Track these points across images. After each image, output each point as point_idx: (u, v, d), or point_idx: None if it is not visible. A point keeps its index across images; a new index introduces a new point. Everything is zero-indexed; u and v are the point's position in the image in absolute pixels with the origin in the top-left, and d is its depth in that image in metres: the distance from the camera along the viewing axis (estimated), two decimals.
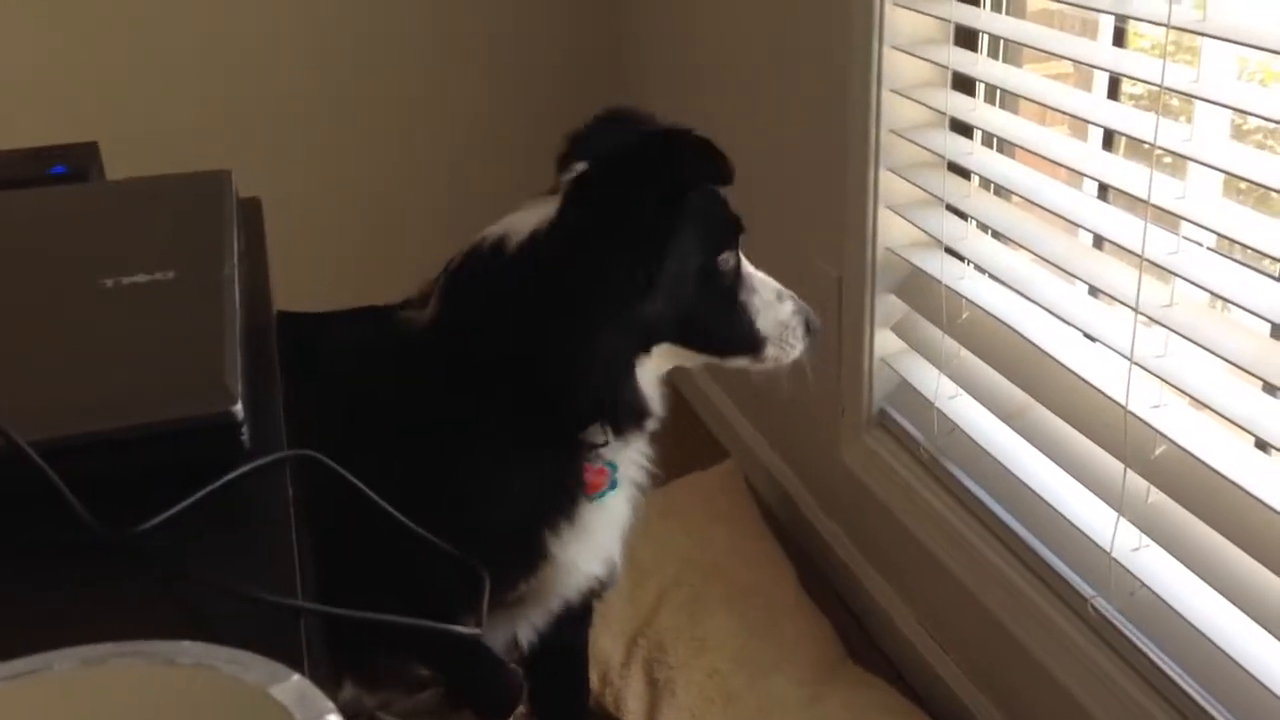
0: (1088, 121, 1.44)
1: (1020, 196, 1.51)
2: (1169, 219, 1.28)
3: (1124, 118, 1.36)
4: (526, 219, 1.25)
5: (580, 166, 1.26)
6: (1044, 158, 1.46)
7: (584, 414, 1.22)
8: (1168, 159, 1.28)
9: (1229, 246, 1.29)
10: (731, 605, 1.95)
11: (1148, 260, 1.28)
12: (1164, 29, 1.24)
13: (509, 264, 1.22)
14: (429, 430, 1.19)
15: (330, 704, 0.48)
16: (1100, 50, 1.46)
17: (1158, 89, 1.25)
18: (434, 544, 0.68)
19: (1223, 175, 1.28)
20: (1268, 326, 1.23)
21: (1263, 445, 1.25)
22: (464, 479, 1.18)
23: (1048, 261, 1.47)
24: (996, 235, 1.62)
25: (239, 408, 0.62)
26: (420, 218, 2.91)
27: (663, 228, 1.19)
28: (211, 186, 0.84)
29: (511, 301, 1.20)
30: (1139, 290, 1.30)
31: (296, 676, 0.48)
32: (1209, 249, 1.29)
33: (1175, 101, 1.36)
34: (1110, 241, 1.35)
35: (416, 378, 1.21)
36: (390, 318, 1.25)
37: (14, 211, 0.83)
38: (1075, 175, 1.45)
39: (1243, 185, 1.33)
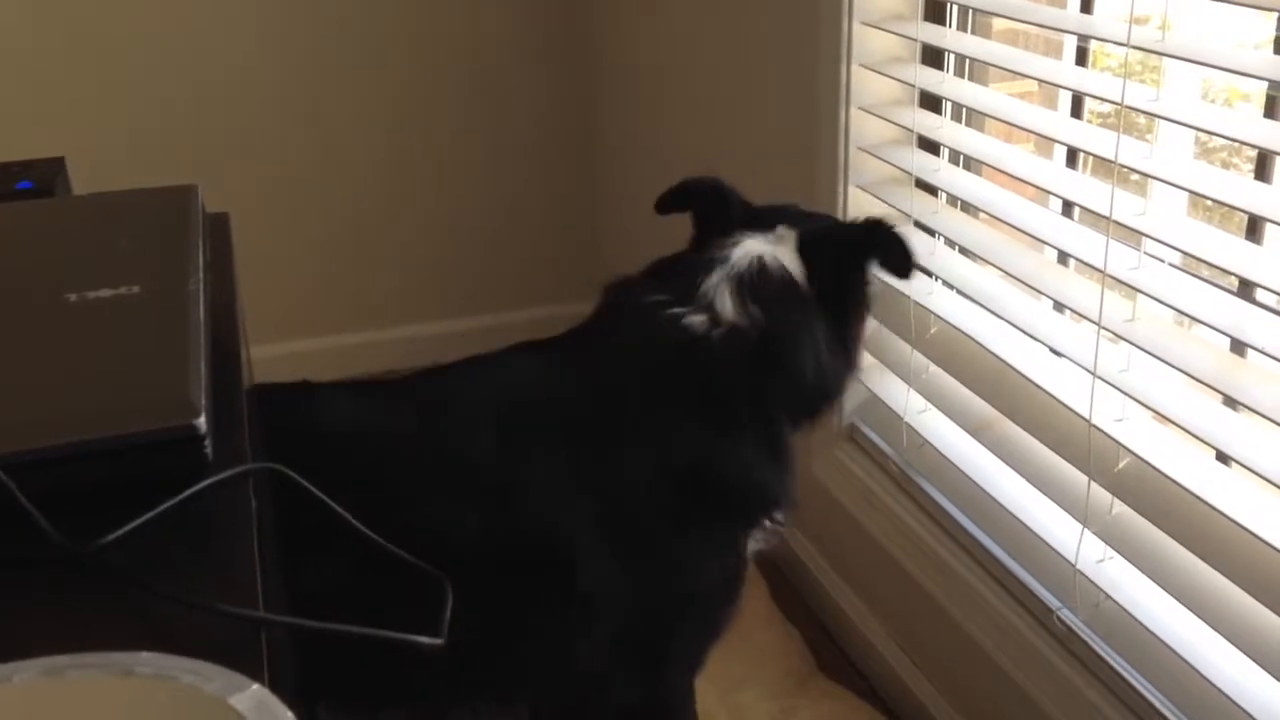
0: (1052, 139, 1.45)
1: (986, 213, 1.53)
2: (1133, 235, 1.30)
3: (1087, 136, 1.38)
4: (760, 248, 1.34)
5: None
6: (1009, 175, 1.47)
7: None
8: (1133, 176, 1.30)
9: (1195, 263, 1.31)
10: None
11: (1110, 276, 1.30)
12: (1125, 49, 1.26)
13: (781, 288, 1.33)
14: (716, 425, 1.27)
15: (289, 714, 0.49)
16: (1064, 69, 1.48)
17: (1120, 107, 1.27)
18: (399, 556, 0.69)
19: (1186, 193, 1.30)
20: (1228, 341, 1.25)
21: (1224, 458, 1.27)
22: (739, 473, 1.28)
23: (1014, 277, 1.48)
24: (964, 251, 1.64)
25: (202, 421, 0.62)
26: (390, 235, 2.92)
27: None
28: (178, 201, 0.84)
29: (800, 324, 1.33)
30: (1102, 305, 1.31)
31: (255, 686, 0.49)
32: (1171, 265, 1.31)
33: (1141, 120, 1.39)
34: (1074, 258, 1.37)
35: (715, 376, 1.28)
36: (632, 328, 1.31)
37: None
38: (1041, 192, 1.47)
39: (1209, 202, 1.35)
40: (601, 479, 1.21)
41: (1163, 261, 1.31)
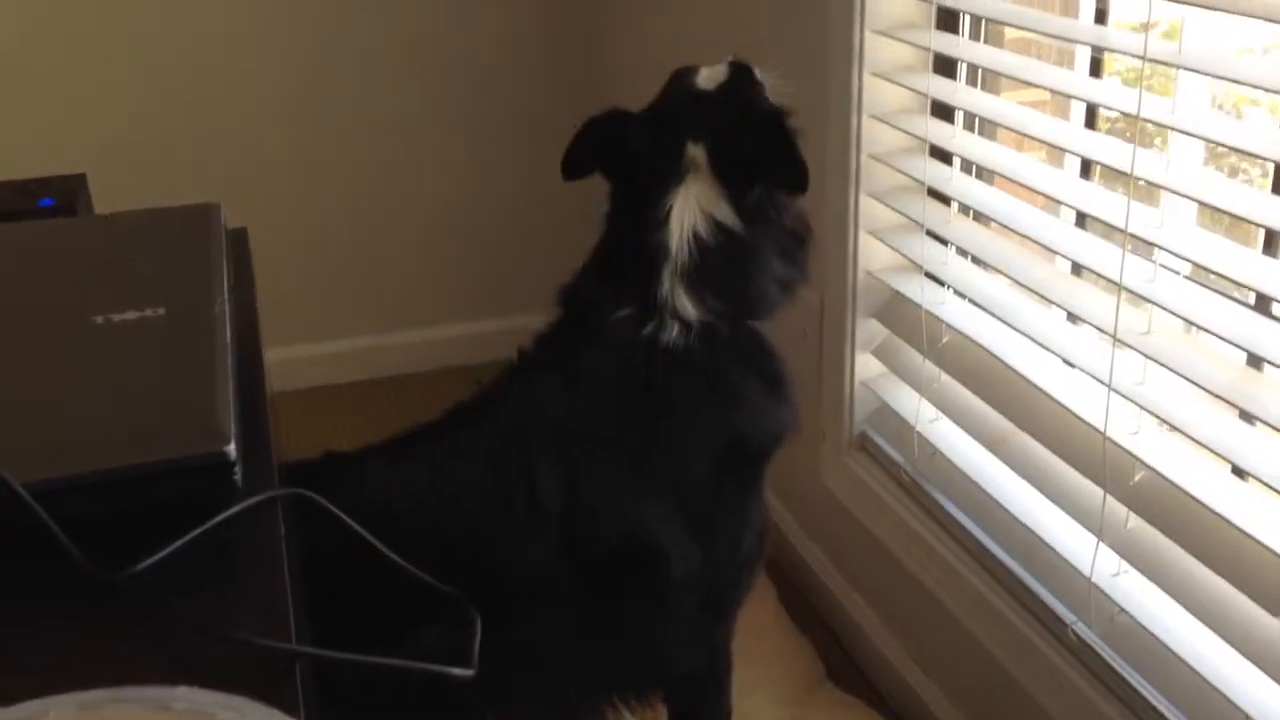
0: (1065, 150, 1.45)
1: (999, 223, 1.53)
2: (1148, 246, 1.30)
3: (1101, 146, 1.38)
4: (687, 214, 1.38)
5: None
6: (1022, 185, 1.47)
7: None
8: (1141, 182, 1.29)
9: (1206, 273, 1.30)
10: None
11: (1126, 289, 1.29)
12: (1141, 61, 1.25)
13: (725, 256, 1.39)
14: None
15: None
16: (1077, 79, 1.48)
17: (1134, 118, 1.26)
18: (427, 582, 0.69)
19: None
20: (1244, 355, 1.24)
21: (1239, 472, 1.27)
22: None
23: (1027, 287, 1.48)
24: (976, 261, 1.64)
25: (232, 448, 0.62)
26: (399, 239, 2.92)
27: None
28: (201, 220, 0.84)
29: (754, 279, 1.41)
30: (1117, 317, 1.31)
31: None
32: (1186, 277, 1.30)
33: (1150, 125, 1.38)
34: (1090, 270, 1.36)
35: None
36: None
37: (2, 246, 0.83)
38: (1051, 200, 1.46)
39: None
40: (660, 479, 1.34)
41: (1178, 274, 1.30)
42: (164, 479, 0.61)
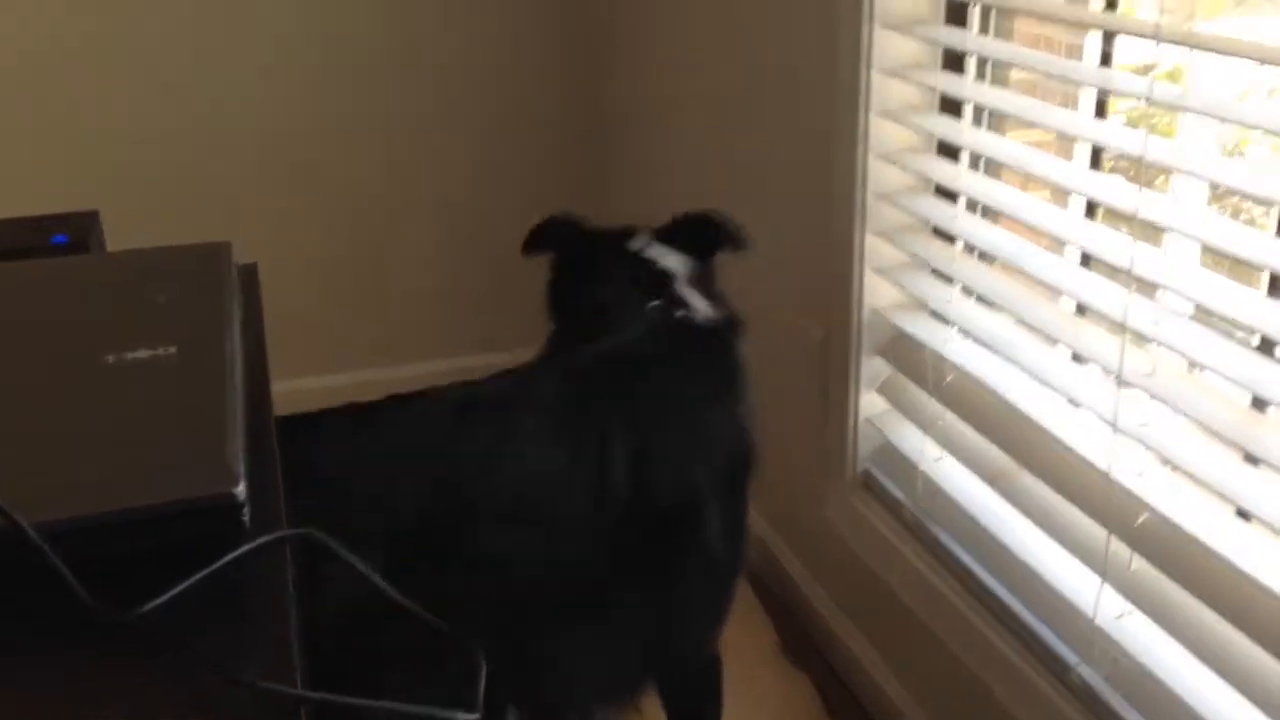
0: (1070, 190, 1.46)
1: (1004, 261, 1.54)
2: (1152, 287, 1.30)
3: (1105, 187, 1.39)
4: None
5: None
6: (1027, 225, 1.48)
7: None
8: (1147, 224, 1.30)
9: (1210, 315, 1.31)
10: None
11: (1131, 329, 1.30)
12: (1145, 102, 1.26)
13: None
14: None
15: None
16: (1082, 121, 1.49)
17: (1138, 160, 1.27)
18: (431, 622, 0.69)
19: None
20: (1248, 395, 1.25)
21: (1244, 514, 1.27)
22: None
23: (1031, 327, 1.49)
24: (981, 300, 1.64)
25: (241, 489, 0.62)
26: (400, 273, 2.94)
27: None
28: (212, 258, 0.85)
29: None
30: (1122, 358, 1.32)
31: None
32: (1190, 318, 1.31)
33: (1153, 166, 1.39)
34: (1095, 310, 1.37)
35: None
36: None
37: (15, 282, 0.84)
38: (1055, 240, 1.47)
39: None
40: (701, 452, 1.45)
41: (1183, 315, 1.31)
42: (173, 520, 0.61)
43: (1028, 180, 1.64)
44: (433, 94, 2.81)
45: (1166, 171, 1.32)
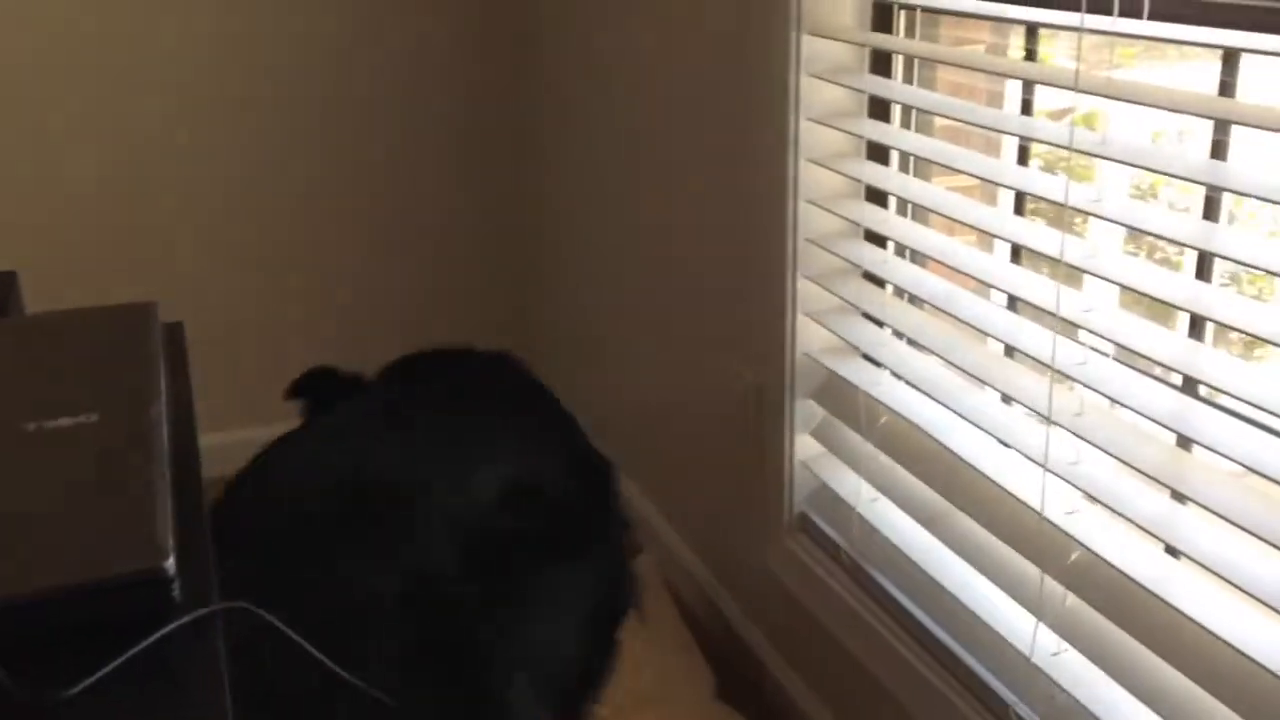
0: (996, 236, 1.48)
1: (933, 306, 1.56)
2: (1074, 329, 1.32)
3: (1031, 233, 1.41)
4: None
5: None
6: (953, 269, 1.50)
7: None
8: (1066, 262, 1.32)
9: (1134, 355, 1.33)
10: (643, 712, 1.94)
11: (1058, 371, 1.32)
12: (1067, 150, 1.29)
13: None
14: None
15: None
16: (1006, 168, 1.52)
17: (1061, 205, 1.30)
18: (365, 690, 0.67)
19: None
20: (1173, 436, 1.27)
21: (1173, 551, 1.29)
22: None
23: (962, 370, 1.50)
24: (912, 342, 1.66)
25: (170, 563, 0.61)
26: (339, 326, 2.91)
27: None
28: (136, 320, 0.83)
29: None
30: (1051, 398, 1.34)
31: None
32: (1113, 358, 1.33)
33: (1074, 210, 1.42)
34: (1022, 352, 1.39)
35: None
36: None
37: None
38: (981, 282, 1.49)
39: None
40: None
41: (1107, 355, 1.33)
42: (99, 597, 0.60)
43: (953, 226, 1.67)
44: (354, 140, 2.80)
45: (1085, 215, 1.35)
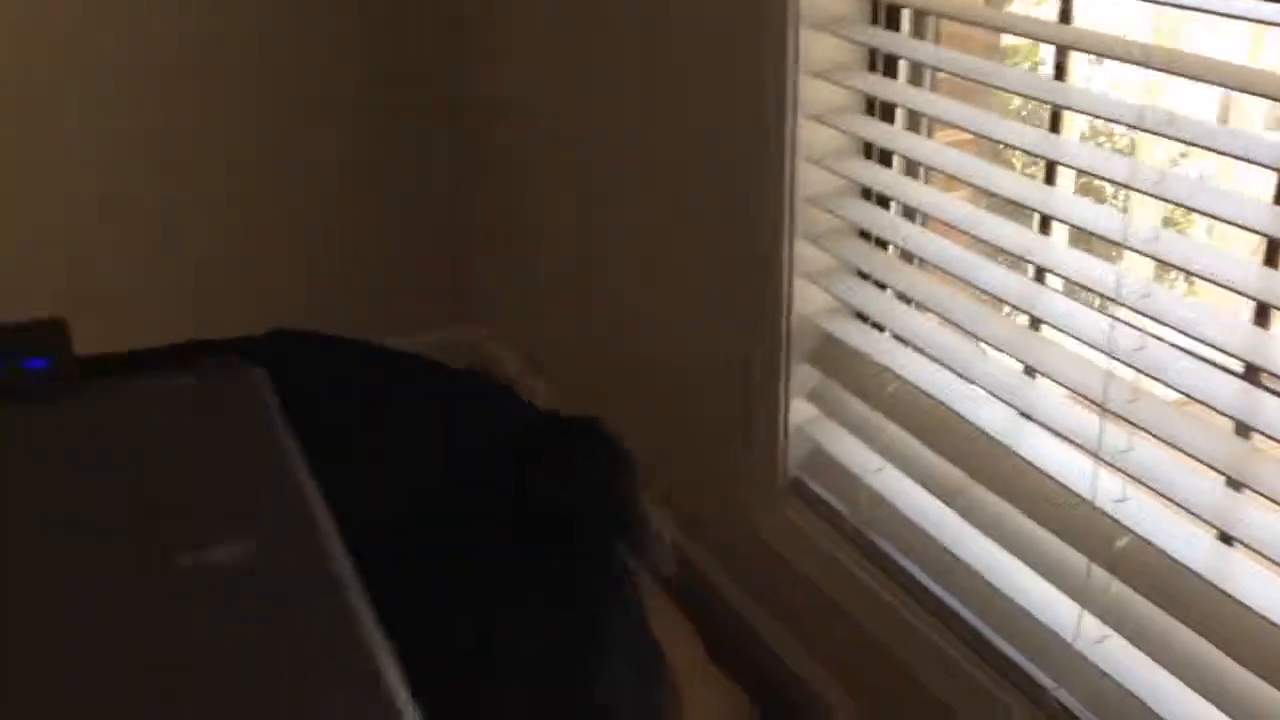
0: (1050, 215, 1.41)
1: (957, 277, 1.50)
2: (1112, 303, 1.28)
3: (1077, 209, 1.36)
4: None
5: None
6: (996, 247, 1.44)
7: None
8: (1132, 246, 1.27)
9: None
10: None
11: (1114, 356, 1.28)
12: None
13: None
14: None
15: None
16: (1064, 142, 1.45)
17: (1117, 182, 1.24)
18: None
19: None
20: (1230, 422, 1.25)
21: (1226, 538, 1.28)
22: None
23: (992, 344, 1.46)
24: (933, 313, 1.60)
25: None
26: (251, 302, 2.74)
27: None
28: (247, 394, 0.70)
29: None
30: (1105, 388, 1.30)
31: None
32: (1172, 345, 1.30)
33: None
34: (1075, 337, 1.34)
35: None
36: None
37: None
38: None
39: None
40: None
41: (1162, 340, 1.30)
42: None
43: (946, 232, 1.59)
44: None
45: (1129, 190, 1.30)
